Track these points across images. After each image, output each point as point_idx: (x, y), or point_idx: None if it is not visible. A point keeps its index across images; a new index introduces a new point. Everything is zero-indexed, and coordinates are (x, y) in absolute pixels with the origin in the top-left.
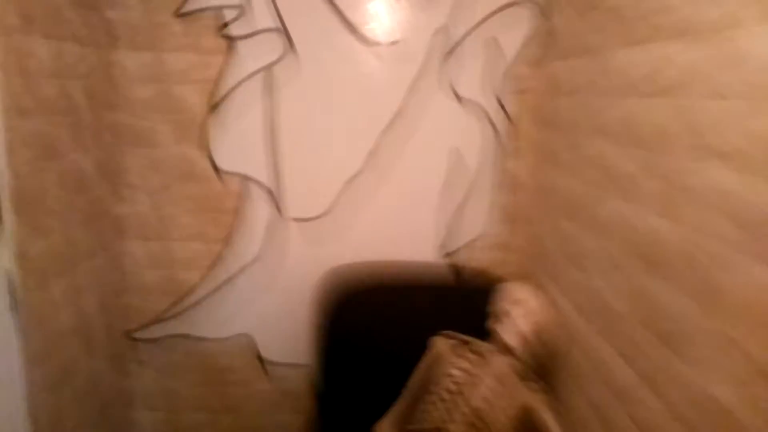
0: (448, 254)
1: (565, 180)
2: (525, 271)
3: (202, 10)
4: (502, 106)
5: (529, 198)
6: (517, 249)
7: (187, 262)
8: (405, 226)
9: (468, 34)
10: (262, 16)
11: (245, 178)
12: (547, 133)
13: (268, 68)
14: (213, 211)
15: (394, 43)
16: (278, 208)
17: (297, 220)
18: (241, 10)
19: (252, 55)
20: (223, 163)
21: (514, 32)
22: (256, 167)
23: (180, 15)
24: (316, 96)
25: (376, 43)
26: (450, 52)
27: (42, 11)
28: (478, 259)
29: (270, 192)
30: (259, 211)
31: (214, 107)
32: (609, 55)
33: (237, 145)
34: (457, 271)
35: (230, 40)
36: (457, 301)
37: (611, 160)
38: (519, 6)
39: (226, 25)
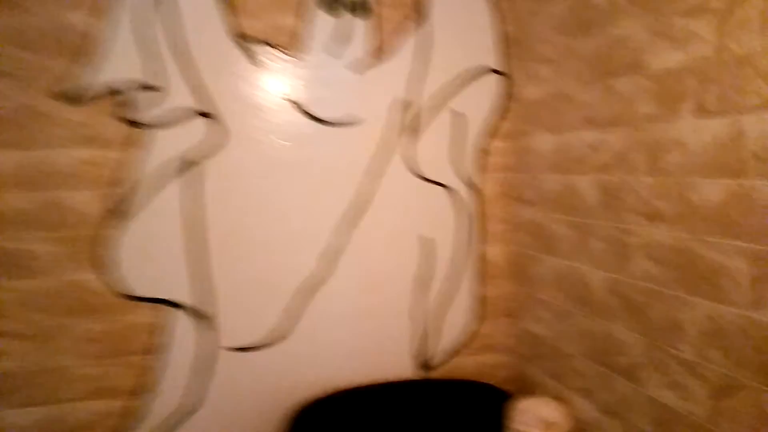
0: (428, 364)
1: (554, 261)
2: (521, 373)
3: (95, 89)
4: (472, 184)
5: (513, 287)
6: (505, 347)
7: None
8: (373, 338)
9: (428, 105)
10: (178, 93)
11: (161, 304)
12: (525, 211)
13: (187, 157)
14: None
15: (346, 119)
16: (211, 337)
17: (237, 349)
18: (151, 87)
19: (165, 143)
20: (129, 287)
21: (480, 103)
22: (176, 287)
23: (63, 97)
24: (251, 186)
25: (326, 121)
26: (410, 127)
27: None
28: (465, 365)
29: (198, 316)
30: (184, 344)
31: (113, 214)
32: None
33: (148, 261)
34: (442, 383)
35: (135, 125)
36: (450, 421)
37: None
38: (484, 75)
39: (127, 105)
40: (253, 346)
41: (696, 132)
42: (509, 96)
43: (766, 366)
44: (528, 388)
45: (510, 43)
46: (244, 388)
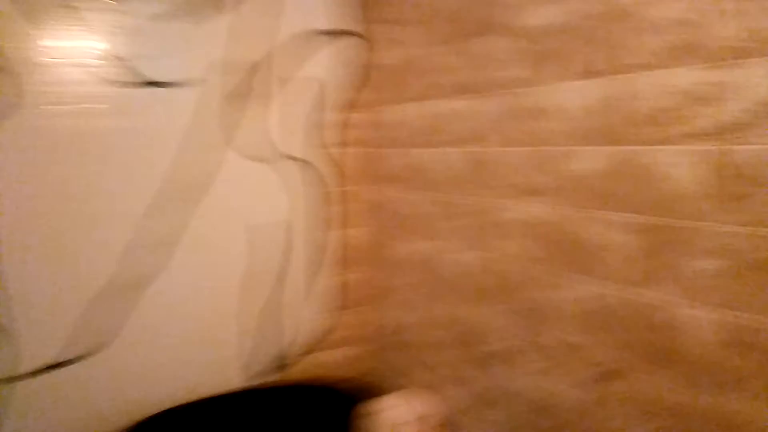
0: (277, 366)
1: (414, 243)
2: (385, 365)
3: None
4: (316, 161)
5: (364, 274)
6: (365, 339)
7: None
8: (201, 347)
9: (259, 69)
10: None
11: None
12: (381, 189)
13: None
14: None
15: (154, 80)
16: None
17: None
18: None
19: None
20: None
21: (325, 69)
22: None
23: None
24: (39, 164)
25: (127, 83)
26: (235, 94)
27: None
28: (321, 363)
29: None
30: None
31: None
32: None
33: None
34: (283, 390)
35: None
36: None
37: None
38: (331, 38)
39: None
40: (51, 364)
41: (573, 96)
42: (360, 62)
43: (653, 347)
44: (391, 382)
45: (364, 2)
46: (43, 416)
